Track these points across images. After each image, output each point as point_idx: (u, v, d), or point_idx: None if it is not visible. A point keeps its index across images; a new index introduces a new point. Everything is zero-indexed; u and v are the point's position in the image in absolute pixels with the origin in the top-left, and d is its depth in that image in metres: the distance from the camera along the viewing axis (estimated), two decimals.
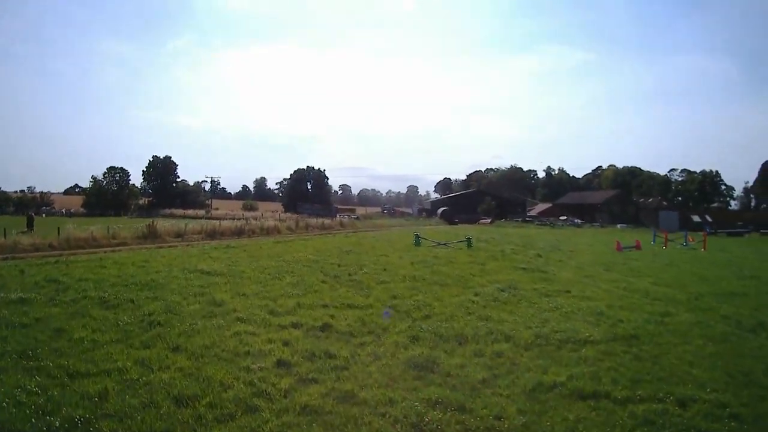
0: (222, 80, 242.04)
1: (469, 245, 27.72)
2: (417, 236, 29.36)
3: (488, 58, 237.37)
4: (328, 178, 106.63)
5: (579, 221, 79.73)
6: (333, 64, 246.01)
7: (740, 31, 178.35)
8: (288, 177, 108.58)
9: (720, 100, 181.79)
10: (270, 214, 74.44)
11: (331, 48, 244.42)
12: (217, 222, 37.47)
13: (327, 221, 50.53)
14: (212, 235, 34.20)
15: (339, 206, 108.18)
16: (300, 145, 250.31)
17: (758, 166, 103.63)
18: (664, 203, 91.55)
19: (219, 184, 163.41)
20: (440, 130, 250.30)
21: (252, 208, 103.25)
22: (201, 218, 58.15)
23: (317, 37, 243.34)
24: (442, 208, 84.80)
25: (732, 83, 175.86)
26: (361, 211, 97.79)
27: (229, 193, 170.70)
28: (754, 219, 77.28)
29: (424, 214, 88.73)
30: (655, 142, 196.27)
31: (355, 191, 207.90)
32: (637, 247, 32.34)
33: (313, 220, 49.34)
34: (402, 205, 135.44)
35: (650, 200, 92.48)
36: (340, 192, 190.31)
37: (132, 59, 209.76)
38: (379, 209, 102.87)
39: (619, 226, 75.93)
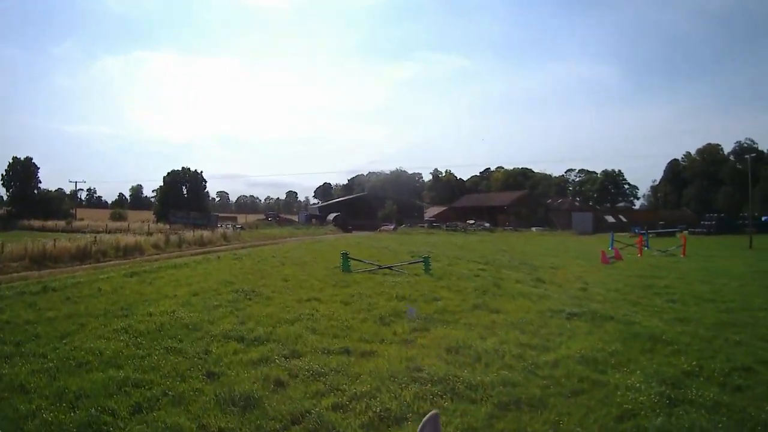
0: (103, 86, 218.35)
1: (428, 268, 17.37)
2: (345, 256, 18.42)
3: (363, 65, 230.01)
4: (206, 182, 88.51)
5: (487, 225, 73.01)
6: (210, 70, 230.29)
7: (621, 40, 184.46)
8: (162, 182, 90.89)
9: (602, 104, 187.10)
10: (139, 224, 60.09)
11: (208, 54, 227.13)
12: (51, 242, 23.96)
13: (206, 233, 37.81)
14: (40, 261, 21.59)
15: (218, 214, 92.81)
16: (176, 151, 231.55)
17: (647, 166, 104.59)
18: (576, 203, 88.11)
19: (95, 191, 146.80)
20: (315, 137, 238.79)
21: (121, 218, 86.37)
22: (59, 231, 50.81)
23: (196, 43, 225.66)
24: (334, 214, 74.25)
25: (614, 89, 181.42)
26: (241, 219, 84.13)
27: (106, 201, 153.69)
28: (671, 218, 75.24)
29: (313, 221, 77.67)
30: (542, 144, 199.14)
31: (233, 199, 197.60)
32: (617, 257, 25.75)
33: (190, 233, 36.30)
34: (283, 212, 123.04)
35: (560, 201, 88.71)
36: (217, 199, 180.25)
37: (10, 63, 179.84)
38: (259, 216, 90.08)
39: (534, 229, 70.39)
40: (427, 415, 1.56)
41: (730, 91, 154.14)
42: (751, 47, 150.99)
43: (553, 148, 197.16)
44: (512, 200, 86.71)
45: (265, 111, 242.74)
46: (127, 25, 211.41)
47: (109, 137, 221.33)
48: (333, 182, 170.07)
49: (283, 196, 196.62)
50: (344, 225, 69.10)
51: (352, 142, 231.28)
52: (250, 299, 12.08)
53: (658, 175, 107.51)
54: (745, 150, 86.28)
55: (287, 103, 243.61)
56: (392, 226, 65.59)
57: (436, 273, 17.25)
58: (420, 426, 1.52)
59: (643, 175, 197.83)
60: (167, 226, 54.14)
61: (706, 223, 63.78)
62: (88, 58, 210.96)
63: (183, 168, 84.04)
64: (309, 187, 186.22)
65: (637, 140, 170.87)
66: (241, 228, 54.53)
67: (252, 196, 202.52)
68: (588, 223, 74.28)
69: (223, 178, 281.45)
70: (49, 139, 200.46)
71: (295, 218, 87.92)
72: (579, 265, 21.94)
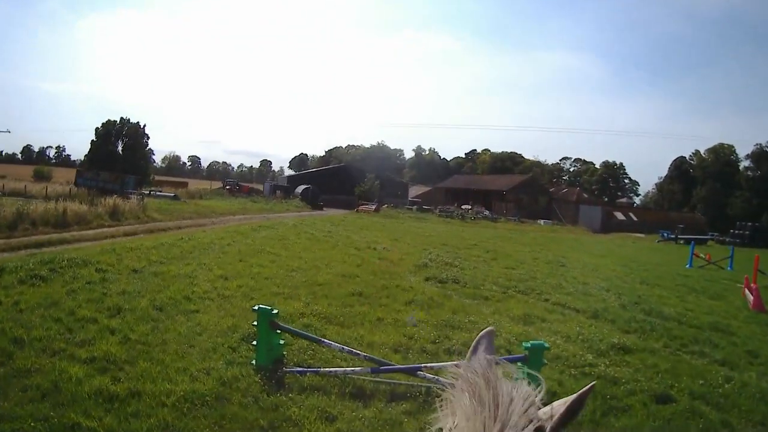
0: (85, 44, 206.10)
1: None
2: (267, 319, 7.80)
3: (351, 38, 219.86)
4: (147, 137, 73.91)
5: (487, 212, 62.65)
6: (188, 33, 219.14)
7: (612, 34, 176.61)
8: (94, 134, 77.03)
9: (593, 97, 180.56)
10: (58, 186, 47.61)
11: (184, 16, 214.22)
12: None
13: (120, 202, 26.00)
14: None
15: (160, 178, 79.56)
16: (152, 114, 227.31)
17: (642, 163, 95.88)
18: (585, 195, 78.09)
19: (64, 150, 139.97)
20: (294, 109, 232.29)
21: (45, 177, 72.73)
22: None
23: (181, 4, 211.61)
24: (303, 186, 62.13)
25: (602, 82, 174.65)
26: (202, 185, 71.64)
27: (74, 161, 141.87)
28: (681, 220, 66.25)
29: (278, 192, 66.07)
30: (533, 133, 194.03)
31: (204, 165, 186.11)
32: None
33: (84, 207, 24.11)
34: (254, 182, 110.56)
35: (566, 190, 78.53)
36: (189, 164, 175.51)
37: None
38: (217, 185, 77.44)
39: (541, 222, 60.28)
40: (483, 330, 1.44)
41: (716, 94, 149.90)
42: (742, 50, 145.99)
43: (544, 137, 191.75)
44: (513, 185, 75.81)
45: (247, 80, 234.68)
46: None
47: (87, 97, 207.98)
48: (310, 154, 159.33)
49: (257, 165, 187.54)
50: (314, 200, 57.84)
51: (331, 119, 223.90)
52: None
53: (653, 172, 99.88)
54: (764, 153, 77.76)
55: (270, 75, 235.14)
56: (373, 207, 54.62)
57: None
58: (475, 339, 1.38)
59: (637, 170, 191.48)
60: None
61: (738, 232, 55.07)
62: (74, 15, 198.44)
63: (121, 118, 70.60)
64: (287, 159, 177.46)
65: (630, 136, 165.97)
66: (174, 197, 42.61)
67: (225, 162, 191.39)
68: (597, 219, 65.26)
69: (200, 144, 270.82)
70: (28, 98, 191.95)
71: (261, 188, 76.10)
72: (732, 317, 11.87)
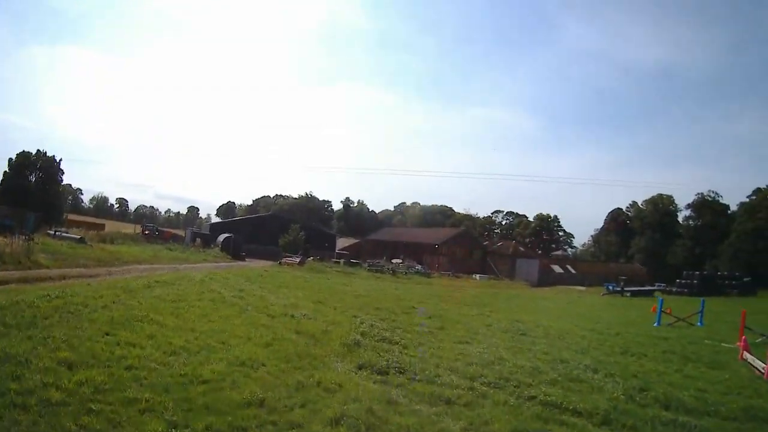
0: (26, 75, 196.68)
1: None
2: None
3: (285, 87, 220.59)
4: (62, 172, 66.61)
5: (419, 267, 59.44)
6: (127, 74, 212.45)
7: (540, 90, 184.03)
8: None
9: (524, 151, 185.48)
10: None
11: (125, 57, 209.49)
12: None
13: (2, 242, 20.97)
14: None
15: (75, 218, 71.60)
16: (87, 154, 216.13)
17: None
18: (521, 249, 76.49)
19: None
20: (224, 156, 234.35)
21: None
22: None
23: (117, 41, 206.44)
24: (225, 235, 56.68)
25: (533, 139, 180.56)
26: (124, 228, 63.97)
27: None
28: (621, 271, 65.62)
29: (198, 240, 60.30)
30: (463, 186, 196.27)
31: (132, 208, 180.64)
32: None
33: None
34: (182, 227, 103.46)
35: (501, 244, 76.67)
36: (116, 206, 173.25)
37: None
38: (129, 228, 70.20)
39: (477, 276, 57.74)
40: None
41: (649, 147, 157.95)
42: (677, 104, 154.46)
43: (475, 190, 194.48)
44: (445, 239, 73.23)
45: (179, 124, 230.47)
46: (56, 16, 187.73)
47: (24, 129, 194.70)
48: (238, 202, 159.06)
49: (185, 212, 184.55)
50: (236, 250, 52.70)
51: (260, 167, 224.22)
52: None
53: (588, 224, 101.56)
54: (707, 202, 79.77)
55: (202, 120, 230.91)
56: (298, 259, 50.13)
57: None
58: None
59: (571, 223, 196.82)
60: None
61: (685, 281, 54.17)
62: (18, 44, 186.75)
63: (37, 151, 63.35)
64: (216, 206, 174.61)
65: (563, 188, 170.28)
66: (80, 240, 36.72)
67: (152, 207, 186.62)
68: (534, 272, 63.73)
69: (132, 187, 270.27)
70: None
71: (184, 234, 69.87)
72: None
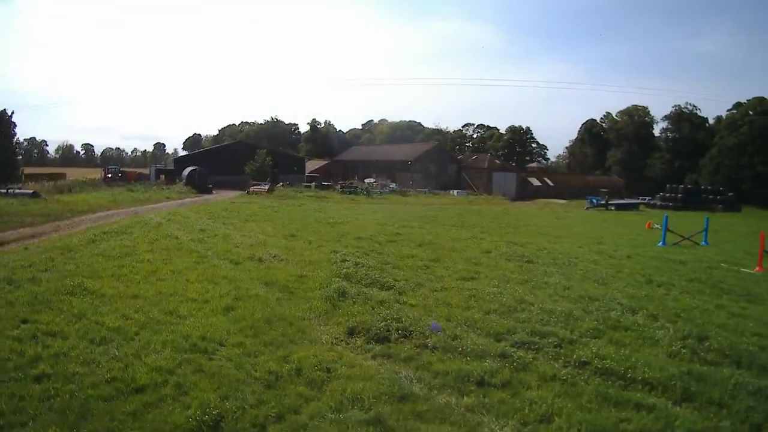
0: None
1: None
2: None
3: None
4: (14, 125, 61.20)
5: (394, 185, 57.25)
6: (79, 16, 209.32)
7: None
8: None
9: (486, 66, 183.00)
10: None
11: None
12: None
13: None
14: None
15: (33, 170, 66.84)
16: (48, 102, 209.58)
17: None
18: (497, 161, 74.23)
19: None
20: (187, 88, 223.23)
21: None
22: None
23: None
24: (190, 168, 52.93)
25: (500, 53, 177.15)
26: (90, 174, 59.60)
27: None
28: (600, 183, 64.64)
29: (161, 177, 56.69)
30: (433, 101, 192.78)
31: (98, 152, 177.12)
32: None
33: None
34: (149, 166, 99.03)
35: (475, 157, 74.13)
36: (82, 152, 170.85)
37: None
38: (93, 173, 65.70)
39: (454, 192, 55.89)
40: None
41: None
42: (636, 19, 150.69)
43: (444, 104, 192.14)
44: (418, 155, 70.27)
45: (138, 60, 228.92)
46: None
47: None
48: (204, 134, 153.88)
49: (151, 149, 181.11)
50: (201, 183, 49.46)
51: (226, 95, 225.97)
52: None
53: (562, 136, 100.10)
54: (684, 115, 78.12)
55: (161, 53, 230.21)
56: (266, 186, 47.30)
57: None
58: None
59: (544, 135, 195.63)
60: None
61: (668, 195, 53.38)
62: None
63: None
64: (182, 141, 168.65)
65: (532, 101, 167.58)
66: (33, 194, 33.19)
67: (119, 148, 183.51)
68: (512, 186, 62.19)
69: (97, 131, 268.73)
70: None
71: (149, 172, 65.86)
72: None
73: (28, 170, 63.22)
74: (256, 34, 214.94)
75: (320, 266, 11.26)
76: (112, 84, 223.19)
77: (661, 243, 19.44)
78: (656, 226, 25.71)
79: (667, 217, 21.54)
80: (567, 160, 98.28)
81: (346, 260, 11.86)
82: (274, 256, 12.10)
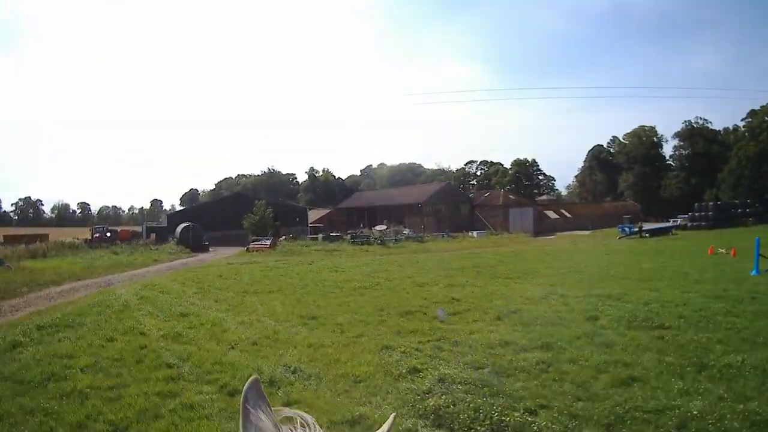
0: None
1: None
2: None
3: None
4: None
5: (409, 231, 53.14)
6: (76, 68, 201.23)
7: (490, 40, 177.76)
8: None
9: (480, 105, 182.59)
10: None
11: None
12: None
13: None
14: None
15: (13, 232, 63.56)
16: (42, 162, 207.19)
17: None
18: (511, 197, 70.24)
19: None
20: (184, 144, 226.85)
21: None
22: None
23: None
24: (183, 225, 48.47)
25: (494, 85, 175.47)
26: (82, 235, 55.65)
27: None
28: (616, 210, 61.48)
29: (152, 236, 52.70)
30: (430, 142, 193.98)
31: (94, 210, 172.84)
32: None
33: None
34: (146, 222, 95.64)
35: (487, 194, 70.24)
36: (78, 211, 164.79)
37: None
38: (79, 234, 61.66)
39: (474, 233, 51.84)
40: (247, 382, 1.32)
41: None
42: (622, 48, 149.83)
43: (445, 144, 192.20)
44: (428, 196, 66.26)
45: (132, 116, 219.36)
46: None
47: None
48: (201, 189, 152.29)
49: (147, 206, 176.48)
50: (196, 241, 45.22)
51: (222, 149, 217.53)
52: None
53: (568, 166, 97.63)
54: (696, 130, 75.01)
55: (156, 107, 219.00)
56: (267, 242, 43.06)
57: None
58: (242, 396, 1.27)
59: (550, 166, 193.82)
60: None
61: (698, 214, 50.61)
62: None
63: None
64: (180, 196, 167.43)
65: (535, 133, 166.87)
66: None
67: (115, 206, 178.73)
68: (529, 221, 58.29)
69: (95, 188, 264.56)
70: None
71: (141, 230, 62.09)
72: None
73: (9, 232, 59.86)
74: (250, 86, 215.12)
75: (377, 389, 6.62)
76: (107, 140, 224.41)
77: (753, 271, 16.14)
78: (721, 250, 24.36)
79: (758, 240, 17.40)
80: (578, 190, 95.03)
81: (418, 371, 7.19)
82: (294, 371, 7.42)
